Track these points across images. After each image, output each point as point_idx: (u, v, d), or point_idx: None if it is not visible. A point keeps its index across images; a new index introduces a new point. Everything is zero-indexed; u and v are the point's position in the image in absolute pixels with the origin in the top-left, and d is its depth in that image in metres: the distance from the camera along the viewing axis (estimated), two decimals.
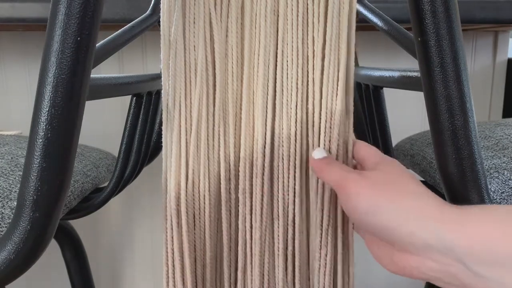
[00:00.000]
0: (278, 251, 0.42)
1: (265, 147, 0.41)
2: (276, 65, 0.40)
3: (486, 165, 0.48)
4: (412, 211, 0.31)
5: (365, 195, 0.33)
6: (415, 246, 0.31)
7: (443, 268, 0.30)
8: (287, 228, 0.41)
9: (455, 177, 0.38)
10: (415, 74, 0.44)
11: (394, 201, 0.32)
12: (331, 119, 0.40)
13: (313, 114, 0.41)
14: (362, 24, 0.62)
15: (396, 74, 0.50)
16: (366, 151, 0.39)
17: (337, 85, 0.40)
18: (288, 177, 0.41)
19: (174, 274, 0.41)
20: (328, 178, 0.37)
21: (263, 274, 0.42)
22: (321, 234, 0.41)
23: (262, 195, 0.41)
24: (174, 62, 0.39)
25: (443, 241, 0.29)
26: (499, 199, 0.44)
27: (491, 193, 0.45)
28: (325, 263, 0.42)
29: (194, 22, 0.39)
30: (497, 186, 0.45)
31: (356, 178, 0.35)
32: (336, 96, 0.40)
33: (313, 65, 0.40)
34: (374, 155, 0.38)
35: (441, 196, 0.50)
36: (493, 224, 0.28)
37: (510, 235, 0.27)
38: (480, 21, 0.86)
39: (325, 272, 0.42)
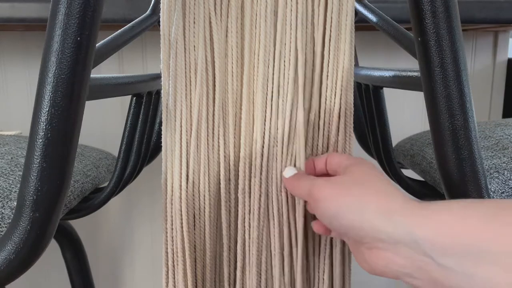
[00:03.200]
0: (275, 250, 0.42)
1: (263, 147, 0.41)
2: (274, 65, 0.40)
3: (486, 165, 0.48)
4: (377, 207, 0.32)
5: (331, 198, 0.34)
6: (382, 241, 0.31)
7: (411, 263, 0.30)
8: (283, 228, 0.41)
9: (455, 177, 0.38)
10: (415, 74, 0.44)
11: (359, 201, 0.33)
12: (329, 118, 0.40)
13: (309, 113, 0.41)
14: (362, 24, 0.62)
15: (396, 74, 0.50)
16: (337, 159, 0.39)
17: (336, 84, 0.40)
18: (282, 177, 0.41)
19: (174, 274, 0.41)
20: (299, 192, 0.38)
21: (260, 274, 0.42)
22: (320, 235, 0.42)
23: (260, 195, 0.41)
24: (175, 62, 0.39)
25: (408, 235, 0.30)
26: (500, 199, 0.44)
27: (491, 193, 0.45)
28: (324, 265, 0.42)
29: (194, 22, 0.39)
30: (497, 186, 0.45)
31: (321, 184, 0.35)
32: (335, 96, 0.40)
33: (313, 65, 0.40)
34: (344, 160, 0.38)
35: (441, 196, 0.50)
36: (454, 217, 0.28)
37: (470, 226, 0.27)
38: (480, 21, 0.86)
39: (324, 272, 0.42)
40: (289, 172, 0.40)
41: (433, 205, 0.30)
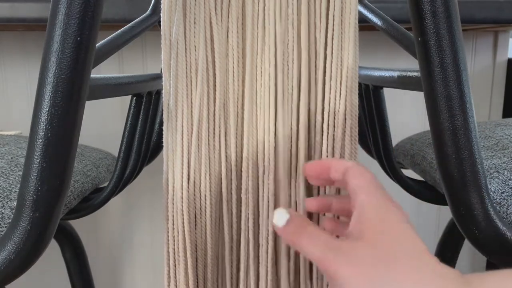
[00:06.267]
0: (281, 251, 0.42)
1: (269, 148, 0.41)
2: (276, 65, 0.40)
3: (486, 165, 0.48)
4: None
5: (355, 282, 0.27)
6: None
7: None
8: None
9: (455, 177, 0.38)
10: (415, 74, 0.44)
11: (390, 284, 0.26)
12: (334, 119, 0.40)
13: (315, 114, 0.40)
14: (362, 24, 0.62)
15: (396, 74, 0.50)
16: (355, 183, 0.32)
17: (341, 84, 0.40)
18: (290, 178, 0.41)
19: (175, 274, 0.41)
20: (306, 253, 0.30)
21: (267, 274, 0.42)
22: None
23: (268, 196, 0.41)
24: (176, 62, 0.39)
25: None
26: (499, 199, 0.44)
27: (491, 193, 0.45)
28: None
29: (195, 23, 0.39)
30: (497, 186, 0.45)
31: (337, 260, 0.28)
32: (340, 96, 0.40)
33: (316, 65, 0.40)
34: (359, 191, 0.31)
35: (441, 196, 0.50)
36: None
37: None
38: (480, 21, 0.86)
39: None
40: (280, 218, 0.32)
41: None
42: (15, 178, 0.47)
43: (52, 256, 0.74)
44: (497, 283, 0.26)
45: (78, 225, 0.81)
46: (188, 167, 0.40)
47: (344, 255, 0.28)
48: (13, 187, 0.45)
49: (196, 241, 0.41)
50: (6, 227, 0.40)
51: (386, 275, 0.26)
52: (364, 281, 0.27)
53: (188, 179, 0.40)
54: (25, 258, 0.35)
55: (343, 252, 0.28)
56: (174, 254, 0.41)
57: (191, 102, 0.40)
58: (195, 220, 0.41)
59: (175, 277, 0.41)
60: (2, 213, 0.41)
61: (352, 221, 0.31)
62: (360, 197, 0.31)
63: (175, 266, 0.41)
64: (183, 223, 0.40)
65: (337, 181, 0.35)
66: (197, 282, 0.42)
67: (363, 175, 0.32)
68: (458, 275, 0.26)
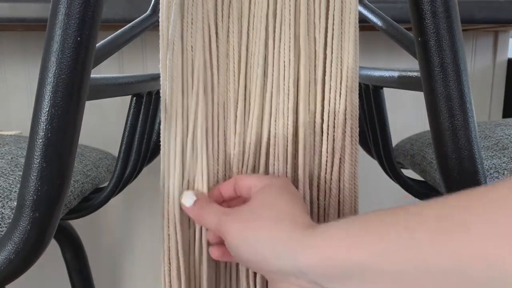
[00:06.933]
0: None
1: (266, 148, 0.41)
2: (265, 66, 0.40)
3: (486, 165, 0.48)
4: (267, 238, 0.32)
5: (234, 232, 0.34)
6: (275, 273, 0.32)
7: None
8: None
9: (455, 177, 0.38)
10: (415, 74, 0.44)
11: (254, 233, 0.33)
12: (334, 119, 0.40)
13: (315, 114, 0.40)
14: (362, 24, 0.62)
15: (396, 74, 0.50)
16: (247, 182, 0.38)
17: (341, 84, 0.40)
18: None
19: (170, 271, 0.41)
20: (206, 225, 0.38)
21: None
22: None
23: None
24: (172, 62, 0.39)
25: (295, 266, 0.30)
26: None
27: None
28: None
29: (192, 23, 0.39)
30: None
31: (225, 220, 0.35)
32: (340, 96, 0.40)
33: (315, 65, 0.40)
34: (255, 182, 0.38)
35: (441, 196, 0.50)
36: (330, 242, 0.29)
37: (348, 248, 0.28)
38: (480, 21, 0.86)
39: None
40: (188, 199, 0.38)
41: (317, 232, 0.30)
42: (15, 178, 0.47)
43: (52, 256, 0.74)
44: (324, 229, 0.30)
45: (78, 225, 0.81)
46: (183, 166, 0.40)
47: (232, 214, 0.35)
48: (13, 187, 0.45)
49: (189, 239, 0.41)
50: (6, 227, 0.40)
51: (253, 229, 0.33)
52: (238, 231, 0.34)
53: (188, 178, 0.40)
54: (25, 258, 0.35)
55: (232, 213, 0.36)
56: (169, 252, 0.41)
57: (187, 102, 0.40)
58: (189, 218, 0.41)
59: (170, 275, 0.41)
60: (2, 213, 0.41)
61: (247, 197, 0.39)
62: (249, 181, 0.38)
63: (169, 264, 0.41)
64: (181, 220, 0.40)
65: (232, 198, 0.41)
66: (194, 280, 0.42)
67: (251, 174, 0.40)
68: (306, 226, 0.32)
